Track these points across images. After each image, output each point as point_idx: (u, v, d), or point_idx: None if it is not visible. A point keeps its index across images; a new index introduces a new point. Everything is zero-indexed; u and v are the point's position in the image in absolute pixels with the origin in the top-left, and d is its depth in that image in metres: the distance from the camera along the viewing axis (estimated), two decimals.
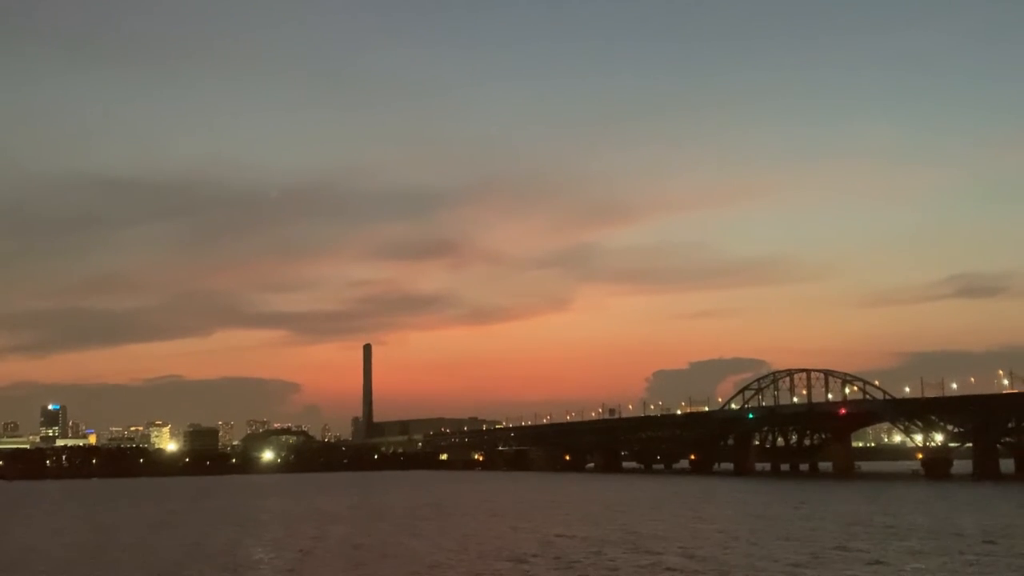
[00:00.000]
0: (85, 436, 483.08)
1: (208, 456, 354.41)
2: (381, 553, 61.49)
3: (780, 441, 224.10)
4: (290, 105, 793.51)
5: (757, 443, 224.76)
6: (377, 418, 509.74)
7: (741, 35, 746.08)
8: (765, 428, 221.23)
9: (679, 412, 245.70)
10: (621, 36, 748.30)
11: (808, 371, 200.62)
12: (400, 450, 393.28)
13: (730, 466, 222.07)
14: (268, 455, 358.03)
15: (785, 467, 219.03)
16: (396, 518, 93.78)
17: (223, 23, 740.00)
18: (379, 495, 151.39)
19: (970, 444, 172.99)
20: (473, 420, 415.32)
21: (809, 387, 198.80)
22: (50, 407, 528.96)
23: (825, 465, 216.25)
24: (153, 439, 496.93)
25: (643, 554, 56.94)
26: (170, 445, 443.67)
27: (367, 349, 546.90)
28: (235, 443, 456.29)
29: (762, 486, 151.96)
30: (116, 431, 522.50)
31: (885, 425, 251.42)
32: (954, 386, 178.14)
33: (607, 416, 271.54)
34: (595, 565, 52.03)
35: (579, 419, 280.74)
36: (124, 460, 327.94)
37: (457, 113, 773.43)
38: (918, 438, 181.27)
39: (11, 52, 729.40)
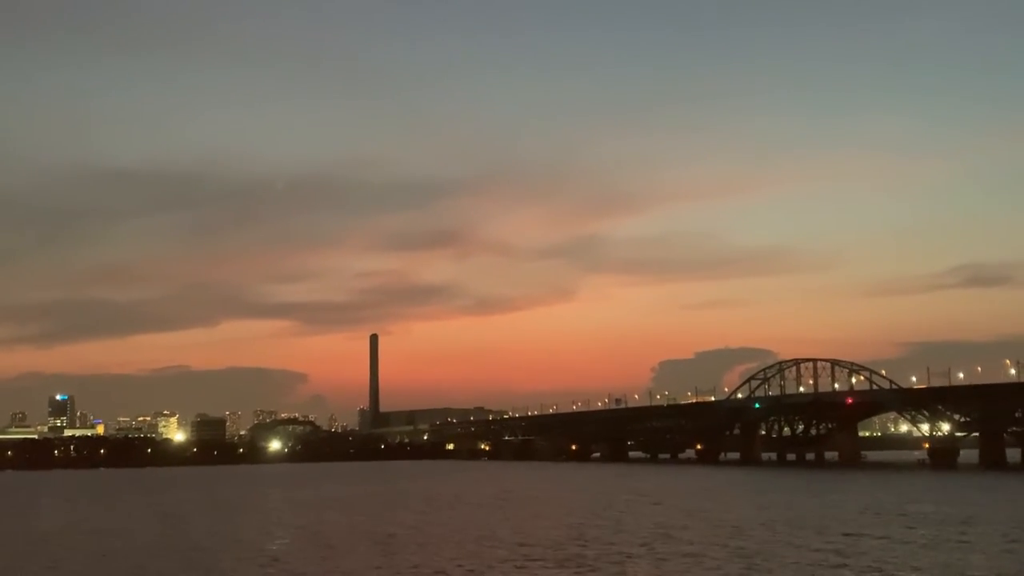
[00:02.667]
0: (93, 426, 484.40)
1: (216, 446, 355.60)
2: (474, 536, 62.56)
3: (786, 431, 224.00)
4: (295, 96, 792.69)
5: (763, 433, 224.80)
6: (383, 408, 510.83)
7: (747, 25, 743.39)
8: (771, 418, 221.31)
9: (685, 402, 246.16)
10: (626, 25, 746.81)
11: (814, 361, 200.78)
12: (406, 440, 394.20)
13: (736, 455, 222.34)
14: (275, 445, 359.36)
15: (791, 456, 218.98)
16: (458, 505, 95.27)
17: (228, 13, 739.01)
18: (406, 483, 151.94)
19: (976, 433, 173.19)
20: (479, 410, 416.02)
21: (815, 377, 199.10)
22: (58, 397, 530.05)
23: (831, 455, 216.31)
24: (160, 429, 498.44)
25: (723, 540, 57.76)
26: (178, 435, 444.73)
27: (373, 339, 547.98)
28: (242, 433, 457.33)
29: (783, 476, 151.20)
30: (124, 421, 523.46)
31: (891, 415, 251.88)
32: (960, 376, 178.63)
33: (613, 406, 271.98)
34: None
35: (585, 409, 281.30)
36: (132, 450, 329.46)
37: (462, 103, 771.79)
38: (924, 427, 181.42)
39: (15, 42, 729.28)
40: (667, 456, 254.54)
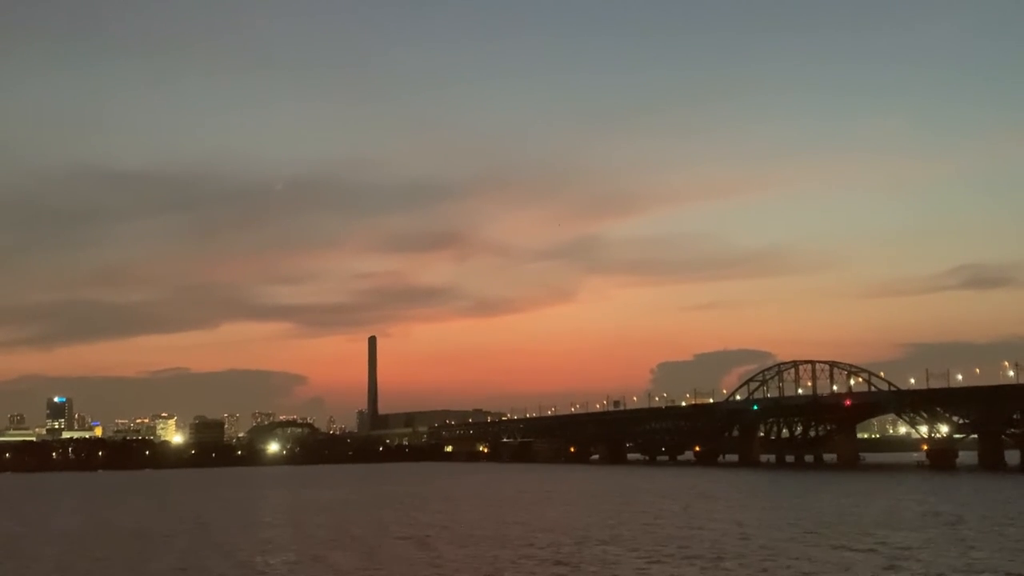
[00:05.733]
0: (91, 428, 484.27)
1: (214, 448, 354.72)
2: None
3: (785, 432, 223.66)
4: (295, 98, 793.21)
5: (762, 434, 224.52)
6: (382, 410, 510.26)
7: (747, 28, 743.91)
8: (770, 419, 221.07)
9: (684, 404, 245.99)
10: (625, 29, 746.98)
11: (813, 362, 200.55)
12: (405, 442, 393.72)
13: (735, 457, 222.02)
14: (274, 447, 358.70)
15: (790, 458, 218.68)
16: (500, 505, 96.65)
17: (229, 16, 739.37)
18: (422, 485, 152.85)
19: (975, 435, 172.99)
20: (478, 412, 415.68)
21: (814, 378, 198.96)
22: (56, 400, 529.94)
23: (830, 457, 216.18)
24: (159, 431, 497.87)
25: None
26: (176, 437, 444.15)
27: (372, 341, 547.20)
28: (241, 435, 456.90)
29: (789, 478, 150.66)
30: (122, 423, 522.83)
31: (890, 416, 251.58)
32: (959, 377, 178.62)
33: (612, 408, 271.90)
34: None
35: (584, 411, 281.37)
36: (130, 452, 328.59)
37: (462, 105, 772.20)
38: (923, 429, 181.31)
39: (17, 46, 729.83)
40: (665, 458, 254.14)
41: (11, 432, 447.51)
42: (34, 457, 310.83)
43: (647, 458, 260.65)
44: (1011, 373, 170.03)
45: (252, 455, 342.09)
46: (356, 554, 55.39)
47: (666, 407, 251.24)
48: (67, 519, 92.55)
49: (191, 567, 51.90)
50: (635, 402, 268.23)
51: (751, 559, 49.84)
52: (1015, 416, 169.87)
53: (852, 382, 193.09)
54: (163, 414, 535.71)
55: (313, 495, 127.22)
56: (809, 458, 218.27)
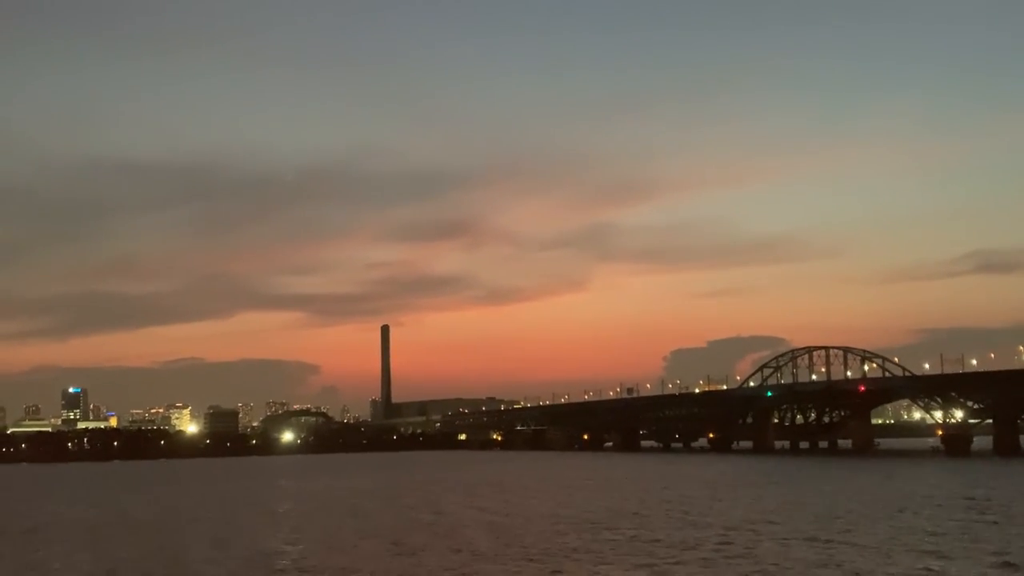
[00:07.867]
0: (106, 419, 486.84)
1: (228, 438, 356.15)
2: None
3: (799, 419, 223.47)
4: (305, 88, 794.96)
5: (776, 421, 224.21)
6: (395, 399, 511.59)
7: (758, 14, 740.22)
8: (784, 406, 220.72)
9: (697, 391, 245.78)
10: (634, 16, 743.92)
11: (827, 348, 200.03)
12: (419, 431, 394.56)
13: (749, 444, 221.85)
14: (288, 436, 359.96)
15: (804, 445, 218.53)
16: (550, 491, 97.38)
17: (238, 9, 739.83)
18: (446, 472, 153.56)
19: (990, 420, 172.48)
20: (491, 400, 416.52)
21: (828, 364, 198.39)
22: (71, 390, 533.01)
23: (844, 443, 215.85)
24: (173, 421, 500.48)
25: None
26: (190, 427, 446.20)
27: (385, 330, 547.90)
28: (255, 424, 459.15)
29: (806, 464, 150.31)
30: (137, 413, 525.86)
31: (905, 402, 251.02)
32: (974, 362, 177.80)
33: (625, 395, 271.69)
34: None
35: (597, 398, 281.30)
36: (145, 442, 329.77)
37: (472, 94, 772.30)
38: (938, 415, 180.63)
39: (30, 38, 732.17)
40: (679, 445, 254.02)
41: (26, 423, 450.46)
42: (50, 448, 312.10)
43: (661, 445, 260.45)
44: None
45: (266, 444, 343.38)
46: (437, 538, 55.67)
47: (679, 394, 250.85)
48: (135, 507, 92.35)
49: (296, 554, 51.44)
50: (648, 389, 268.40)
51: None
52: None
53: (866, 368, 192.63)
54: (177, 404, 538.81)
55: (347, 483, 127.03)
56: (823, 444, 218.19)
